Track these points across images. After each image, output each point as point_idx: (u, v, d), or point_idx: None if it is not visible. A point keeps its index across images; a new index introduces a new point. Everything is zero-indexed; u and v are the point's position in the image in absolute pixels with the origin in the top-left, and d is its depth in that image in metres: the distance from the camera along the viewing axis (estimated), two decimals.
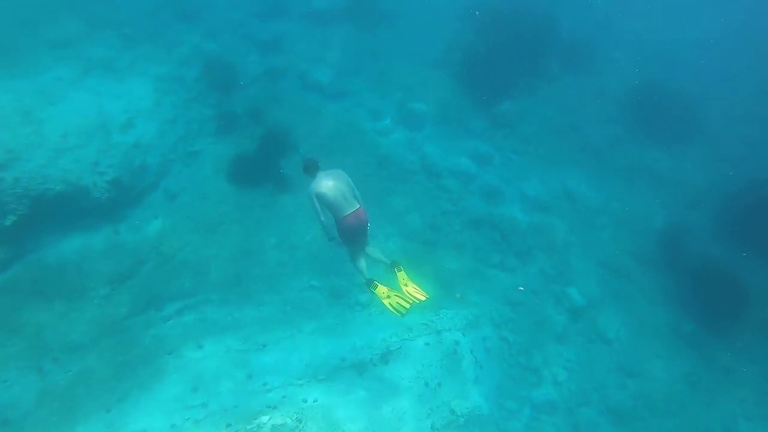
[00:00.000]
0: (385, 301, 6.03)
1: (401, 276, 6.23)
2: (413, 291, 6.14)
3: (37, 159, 8.07)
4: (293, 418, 6.72)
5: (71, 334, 7.52)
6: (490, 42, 13.39)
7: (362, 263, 6.27)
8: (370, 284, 6.07)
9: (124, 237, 8.65)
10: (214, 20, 13.21)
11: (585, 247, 10.50)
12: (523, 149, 11.98)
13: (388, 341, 7.97)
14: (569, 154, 12.29)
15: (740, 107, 14.40)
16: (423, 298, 6.08)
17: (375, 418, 7.06)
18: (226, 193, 9.60)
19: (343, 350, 7.84)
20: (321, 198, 5.84)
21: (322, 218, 5.91)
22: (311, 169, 6.07)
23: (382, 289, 6.04)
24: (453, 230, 10.05)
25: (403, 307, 5.96)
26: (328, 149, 10.14)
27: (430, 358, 7.92)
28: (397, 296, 6.06)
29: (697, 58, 15.76)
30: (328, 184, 5.88)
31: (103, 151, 8.78)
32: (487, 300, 9.26)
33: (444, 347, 8.11)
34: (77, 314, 7.74)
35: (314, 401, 7.06)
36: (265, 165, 9.84)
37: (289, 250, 9.07)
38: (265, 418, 6.65)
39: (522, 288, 9.46)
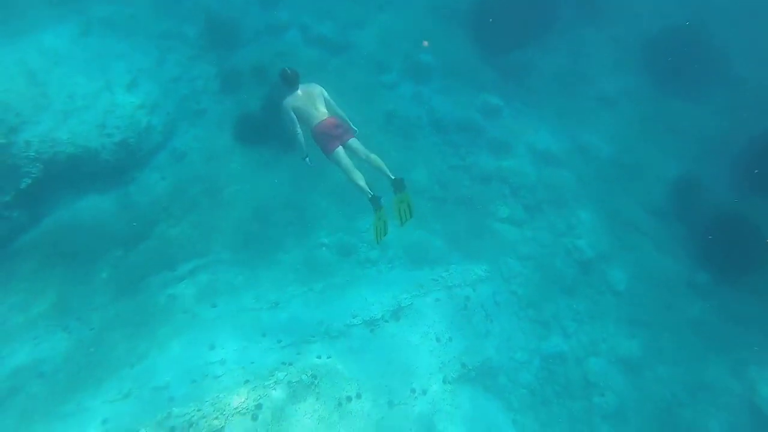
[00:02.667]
0: (376, 224, 5.87)
1: (401, 197, 5.94)
2: (404, 211, 5.93)
3: (45, 122, 8.07)
4: (308, 375, 6.93)
5: (91, 295, 7.73)
6: None
7: (358, 175, 5.94)
8: (375, 203, 5.83)
9: (134, 198, 8.72)
10: None
11: (595, 199, 10.40)
12: (533, 101, 11.68)
13: (398, 298, 8.08)
14: (581, 105, 11.98)
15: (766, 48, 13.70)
16: (407, 219, 5.88)
17: (387, 373, 7.27)
18: (233, 152, 9.56)
19: (354, 307, 7.98)
20: (295, 111, 5.95)
21: (299, 131, 5.99)
22: (291, 82, 6.00)
23: (380, 214, 5.84)
24: (461, 185, 9.98)
25: (384, 231, 5.83)
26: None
27: (441, 313, 8.06)
28: (386, 221, 5.89)
29: None
30: (300, 97, 5.99)
31: (110, 112, 8.72)
32: (497, 254, 9.30)
33: (455, 302, 8.23)
34: (95, 275, 7.92)
35: (328, 357, 7.26)
36: (271, 123, 9.70)
37: (297, 208, 9.09)
38: (281, 375, 6.86)
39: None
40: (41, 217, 8.10)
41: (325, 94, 6.18)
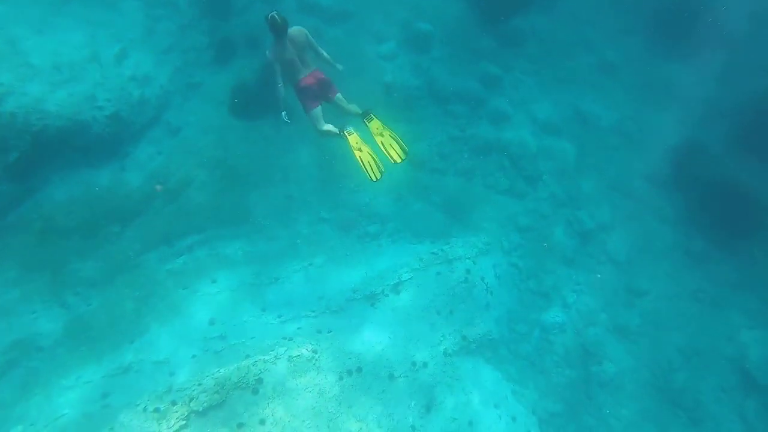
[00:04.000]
0: (357, 155, 5.85)
1: (374, 126, 5.94)
2: (389, 145, 5.89)
3: (31, 93, 7.72)
4: (309, 349, 6.93)
5: (88, 271, 7.63)
6: None
7: (329, 125, 6.07)
8: (341, 131, 5.90)
9: (129, 174, 8.52)
10: None
11: (596, 169, 10.32)
12: (533, 69, 11.44)
13: (399, 272, 8.05)
14: (582, 73, 11.76)
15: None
16: (399, 158, 5.82)
17: (388, 347, 7.29)
18: (229, 126, 9.34)
19: (354, 282, 7.96)
20: (281, 64, 5.74)
21: (280, 85, 5.83)
22: (280, 30, 5.63)
23: (354, 138, 5.84)
24: (461, 157, 9.86)
25: (377, 167, 5.82)
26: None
27: (441, 287, 8.04)
28: (371, 153, 5.86)
29: None
30: (287, 48, 5.74)
31: (99, 84, 8.41)
32: (497, 227, 9.26)
33: (455, 275, 8.21)
34: (92, 251, 7.79)
35: (329, 332, 7.26)
36: (267, 95, 9.46)
37: (296, 182, 8.97)
38: (281, 350, 6.86)
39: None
40: (33, 191, 7.88)
41: (311, 39, 5.99)
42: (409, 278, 8.06)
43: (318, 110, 6.03)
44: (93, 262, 7.70)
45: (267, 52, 5.79)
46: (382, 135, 5.93)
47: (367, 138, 5.90)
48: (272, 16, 5.54)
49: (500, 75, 10.89)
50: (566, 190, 9.84)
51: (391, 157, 5.91)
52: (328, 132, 6.05)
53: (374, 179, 5.93)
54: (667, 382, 8.49)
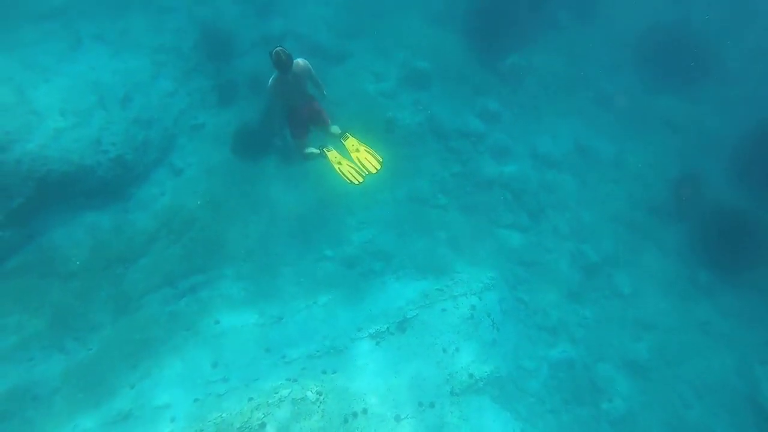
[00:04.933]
0: (337, 167, 6.18)
1: (350, 143, 6.27)
2: (365, 159, 6.19)
3: (36, 140, 7.85)
4: (313, 391, 6.80)
5: (89, 314, 7.56)
6: None
7: (311, 148, 6.43)
8: (321, 150, 6.25)
9: (133, 215, 8.55)
10: None
11: (598, 202, 10.36)
12: (532, 104, 11.61)
13: (404, 309, 7.98)
14: (580, 107, 11.94)
15: (759, 42, 13.72)
16: (374, 169, 6.14)
17: (394, 387, 7.14)
18: (232, 166, 9.41)
19: (359, 320, 7.87)
20: (281, 95, 5.92)
21: (278, 115, 6.17)
22: (285, 66, 5.68)
23: (333, 154, 6.20)
24: (464, 192, 9.89)
25: (357, 173, 6.12)
26: (332, 115, 9.86)
27: (447, 324, 7.94)
28: (350, 165, 6.20)
29: None
30: (289, 81, 5.86)
31: (104, 128, 8.54)
32: (502, 261, 9.21)
33: (460, 312, 8.12)
34: (93, 294, 7.74)
35: (333, 373, 7.14)
36: (270, 135, 9.60)
37: (298, 220, 8.96)
38: (285, 392, 6.74)
39: None
40: (35, 236, 7.88)
41: (313, 72, 6.13)
42: (414, 315, 7.97)
43: (305, 138, 6.33)
44: (95, 305, 7.64)
45: (269, 83, 5.89)
46: (357, 150, 6.24)
47: (344, 155, 6.28)
48: (277, 52, 5.58)
49: (500, 110, 11.04)
50: (569, 224, 9.85)
51: (368, 170, 6.20)
52: (310, 154, 6.40)
53: (357, 183, 6.20)
54: (680, 420, 8.28)
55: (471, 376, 7.59)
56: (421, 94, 11.22)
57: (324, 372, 7.14)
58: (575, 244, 9.62)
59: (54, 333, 7.24)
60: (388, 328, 7.78)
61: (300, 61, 5.97)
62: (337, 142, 6.36)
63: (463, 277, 8.60)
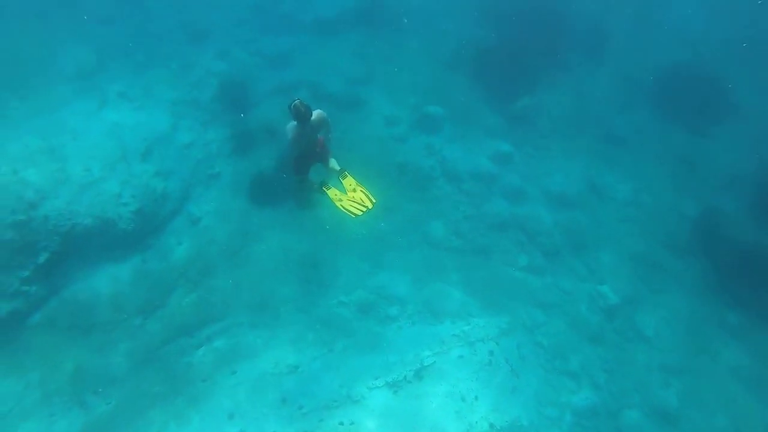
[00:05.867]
0: (338, 204, 6.42)
1: (348, 182, 6.53)
2: (361, 196, 6.48)
3: (63, 196, 8.22)
4: None
5: (109, 367, 7.66)
6: (503, 37, 13.13)
7: (309, 182, 6.58)
8: (321, 186, 6.43)
9: (151, 265, 8.73)
10: (223, 39, 13.24)
11: (615, 241, 10.20)
12: (543, 145, 11.67)
13: (420, 356, 7.89)
14: (592, 146, 11.95)
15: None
16: (369, 205, 6.42)
17: None
18: (247, 214, 9.61)
19: (376, 368, 7.79)
20: (297, 144, 5.92)
21: (294, 161, 6.21)
22: (304, 118, 5.61)
23: (333, 191, 6.43)
24: (478, 234, 9.87)
25: (356, 209, 6.35)
26: (346, 160, 10.03)
27: (465, 371, 7.81)
28: (349, 200, 6.46)
29: (720, 31, 15.12)
30: (306, 133, 5.85)
31: (125, 182, 8.87)
32: (518, 304, 9.07)
33: (478, 358, 7.99)
34: (113, 346, 7.86)
35: (351, 423, 7.04)
36: (284, 182, 9.80)
37: (313, 267, 9.03)
38: None
39: None
40: (59, 289, 8.11)
41: (328, 122, 6.18)
42: (432, 363, 7.87)
43: (306, 173, 6.47)
44: (114, 358, 7.74)
45: (289, 134, 5.82)
46: (354, 190, 6.48)
47: (342, 191, 6.54)
48: (295, 105, 5.49)
49: (511, 152, 11.12)
50: (586, 264, 9.71)
51: (364, 206, 6.47)
52: (310, 186, 6.58)
53: (358, 215, 6.41)
54: None
55: (492, 426, 7.40)
56: (433, 137, 11.40)
57: (341, 423, 7.05)
58: (593, 285, 9.45)
59: (74, 388, 7.33)
60: (405, 376, 7.68)
61: (318, 113, 5.96)
62: (335, 178, 6.59)
63: (479, 322, 8.50)
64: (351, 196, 6.43)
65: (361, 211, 6.33)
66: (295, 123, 5.70)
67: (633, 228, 10.44)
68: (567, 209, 10.48)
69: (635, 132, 12.34)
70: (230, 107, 11.24)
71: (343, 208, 6.36)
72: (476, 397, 7.59)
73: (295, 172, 6.38)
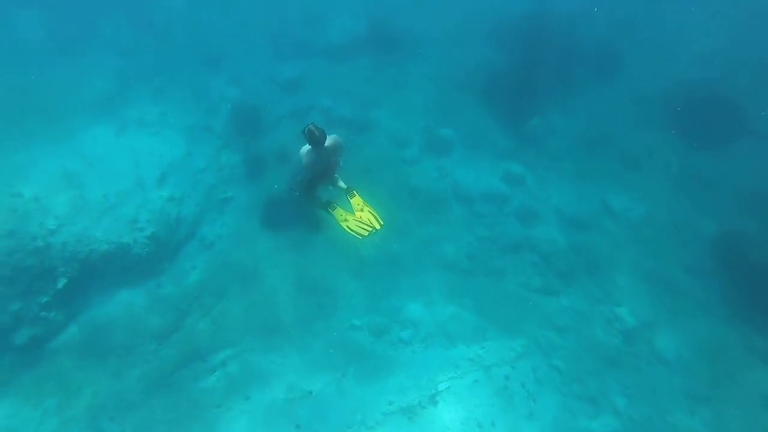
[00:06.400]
0: (343, 224, 6.41)
1: (355, 201, 6.53)
2: (368, 217, 6.47)
3: (81, 222, 8.38)
4: None
5: (125, 392, 7.68)
6: (513, 59, 13.24)
7: (317, 198, 6.58)
8: (327, 206, 6.41)
9: (165, 290, 8.81)
10: (236, 66, 13.51)
11: (631, 263, 10.04)
12: (555, 166, 11.62)
13: (435, 381, 7.80)
14: (605, 167, 11.87)
15: None
16: (378, 226, 6.40)
17: None
18: (260, 238, 9.68)
19: (390, 393, 7.72)
20: (311, 170, 5.91)
21: (308, 185, 6.17)
22: (318, 142, 5.56)
23: (339, 212, 6.42)
24: (491, 257, 9.81)
25: (362, 230, 6.34)
26: (358, 183, 10.11)
27: (480, 396, 7.70)
28: (355, 220, 6.45)
29: (733, 48, 15.07)
30: (322, 158, 5.83)
31: (141, 207, 9.01)
32: (533, 327, 8.95)
33: (494, 383, 7.88)
34: (128, 371, 7.90)
35: None
36: (296, 206, 9.87)
37: (326, 290, 9.03)
38: None
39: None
40: (76, 315, 8.24)
41: (344, 147, 6.16)
42: (447, 388, 7.78)
43: (314, 191, 6.49)
44: (129, 383, 7.76)
45: (303, 157, 5.77)
46: (362, 210, 6.50)
47: (349, 210, 6.57)
48: (310, 130, 5.41)
49: (523, 173, 11.10)
50: (601, 286, 9.57)
51: (371, 227, 6.48)
52: (316, 202, 6.59)
53: (363, 236, 6.40)
54: None
55: None
56: (444, 159, 11.44)
57: None
58: (609, 307, 9.30)
59: (91, 414, 7.36)
60: (419, 401, 7.59)
61: (333, 138, 5.94)
62: (343, 196, 6.61)
63: (493, 345, 8.40)
64: (358, 216, 6.44)
65: (368, 231, 6.32)
66: (310, 147, 5.65)
67: (649, 249, 10.28)
68: (580, 230, 10.39)
69: (648, 152, 12.23)
70: (243, 132, 11.42)
71: (349, 228, 6.38)
72: (493, 423, 7.46)
73: (304, 189, 6.38)
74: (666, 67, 14.46)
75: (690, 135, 12.45)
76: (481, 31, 15.08)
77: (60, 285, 7.91)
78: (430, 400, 7.63)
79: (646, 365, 8.77)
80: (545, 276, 9.62)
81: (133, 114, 10.76)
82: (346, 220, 6.42)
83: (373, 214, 6.49)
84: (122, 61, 12.59)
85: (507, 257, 9.81)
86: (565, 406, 8.19)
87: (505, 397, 7.80)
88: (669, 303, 9.49)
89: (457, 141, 11.71)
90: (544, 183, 11.14)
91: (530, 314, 9.08)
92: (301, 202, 6.96)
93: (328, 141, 5.82)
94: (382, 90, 13.13)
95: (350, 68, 13.80)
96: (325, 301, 8.94)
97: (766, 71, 13.97)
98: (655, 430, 8.06)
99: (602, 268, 9.84)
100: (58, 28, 13.43)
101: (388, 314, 8.83)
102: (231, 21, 15.13)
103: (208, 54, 13.65)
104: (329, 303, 8.92)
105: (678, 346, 8.95)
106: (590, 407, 8.22)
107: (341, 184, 6.64)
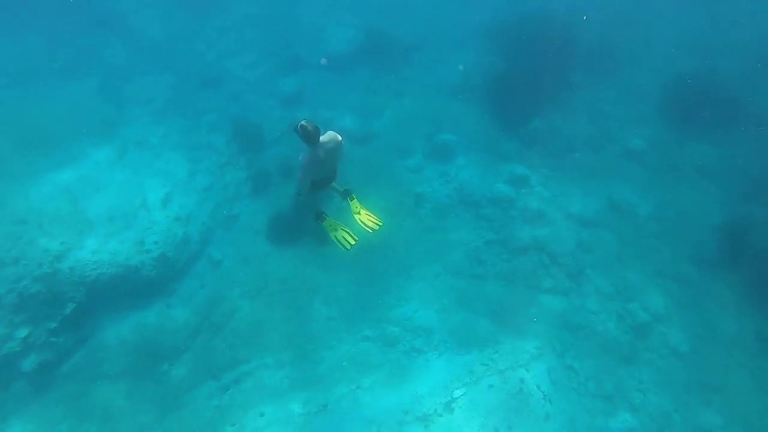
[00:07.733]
0: (331, 234, 6.62)
1: (354, 204, 6.74)
2: (366, 219, 6.72)
3: (88, 246, 8.40)
4: None
5: (137, 414, 7.64)
6: (511, 62, 13.30)
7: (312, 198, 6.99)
8: (318, 216, 6.62)
9: (175, 311, 8.79)
10: (235, 83, 13.62)
11: (640, 258, 9.97)
12: (559, 165, 11.58)
13: (450, 388, 7.74)
14: (608, 163, 11.83)
15: None
16: (376, 227, 6.68)
17: None
18: (267, 254, 9.67)
19: (405, 402, 7.65)
20: (311, 172, 5.86)
21: (305, 184, 6.05)
22: (313, 139, 5.36)
23: (329, 222, 6.64)
24: (500, 260, 9.75)
25: (348, 241, 6.56)
26: (362, 193, 10.13)
27: (496, 401, 7.63)
28: (344, 230, 6.65)
29: (729, 38, 15.11)
30: (321, 158, 5.67)
31: (147, 229, 9.03)
32: (546, 328, 8.89)
33: (509, 387, 7.81)
34: (140, 393, 7.87)
35: None
36: (302, 220, 9.89)
37: (336, 303, 9.00)
38: None
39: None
40: (86, 339, 8.23)
41: (342, 145, 5.94)
42: (462, 394, 7.71)
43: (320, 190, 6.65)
44: (142, 405, 7.72)
45: (300, 158, 5.58)
46: (359, 213, 6.76)
47: (347, 213, 6.87)
48: (302, 125, 5.23)
49: (527, 174, 11.05)
50: (612, 283, 9.49)
51: (369, 228, 6.76)
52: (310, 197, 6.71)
53: (348, 248, 6.64)
54: None
55: None
56: (448, 165, 11.44)
57: None
58: (621, 303, 9.22)
59: None
60: (435, 409, 7.53)
61: (331, 134, 5.72)
62: (342, 198, 6.82)
63: (507, 349, 8.33)
64: (357, 218, 6.67)
65: (354, 243, 6.54)
66: (307, 147, 5.47)
67: (657, 243, 10.21)
68: (588, 228, 10.33)
69: (651, 146, 12.19)
70: (246, 149, 11.46)
71: (337, 239, 6.56)
72: (509, 428, 7.39)
73: (308, 191, 6.24)
74: (662, 60, 14.51)
75: (690, 126, 12.44)
76: (477, 37, 15.15)
77: (68, 310, 7.91)
78: (446, 408, 7.56)
79: (660, 359, 8.69)
80: (555, 276, 9.55)
81: (134, 137, 10.85)
82: (335, 230, 6.62)
83: (370, 216, 6.68)
84: (123, 85, 12.71)
85: (516, 259, 9.76)
86: (582, 406, 8.12)
87: (521, 400, 7.73)
88: (680, 296, 9.42)
89: (460, 146, 11.71)
90: (549, 183, 11.09)
91: (542, 315, 9.01)
92: (308, 203, 7.11)
93: (325, 137, 5.63)
94: (382, 99, 13.19)
95: (349, 79, 13.88)
96: (336, 313, 8.90)
97: (757, 55, 13.98)
98: (672, 424, 7.99)
99: (611, 265, 9.77)
100: (56, 51, 13.61)
101: (399, 323, 8.79)
102: (228, 40, 15.27)
103: (208, 74, 13.76)
104: (340, 315, 8.88)
105: (692, 339, 8.88)
106: (607, 405, 8.15)
107: (337, 186, 6.75)
